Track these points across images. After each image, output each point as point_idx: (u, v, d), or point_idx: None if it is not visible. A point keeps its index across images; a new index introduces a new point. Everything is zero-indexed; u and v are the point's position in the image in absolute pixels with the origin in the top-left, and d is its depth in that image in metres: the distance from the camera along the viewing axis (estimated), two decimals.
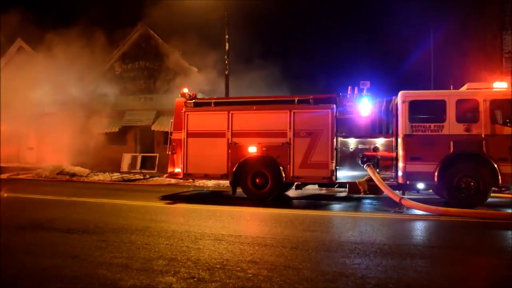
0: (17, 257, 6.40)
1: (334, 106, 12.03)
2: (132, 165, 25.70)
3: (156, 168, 24.53)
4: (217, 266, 5.70)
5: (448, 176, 10.97)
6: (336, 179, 11.95)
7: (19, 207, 11.89)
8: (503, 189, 11.18)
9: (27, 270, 5.74)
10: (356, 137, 11.99)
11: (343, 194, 13.93)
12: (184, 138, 13.05)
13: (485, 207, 10.56)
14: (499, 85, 11.26)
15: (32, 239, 7.57)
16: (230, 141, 12.62)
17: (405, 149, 11.30)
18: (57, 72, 26.56)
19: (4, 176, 23.03)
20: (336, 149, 11.95)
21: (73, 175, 22.39)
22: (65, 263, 5.93)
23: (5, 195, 13.99)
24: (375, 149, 11.73)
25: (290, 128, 12.20)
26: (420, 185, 11.52)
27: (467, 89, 11.80)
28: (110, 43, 25.59)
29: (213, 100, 13.44)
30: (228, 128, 12.67)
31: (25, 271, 5.70)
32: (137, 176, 21.53)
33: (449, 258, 6.40)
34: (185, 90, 13.48)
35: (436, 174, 11.01)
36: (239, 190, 12.69)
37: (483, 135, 10.87)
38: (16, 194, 14.28)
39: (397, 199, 10.45)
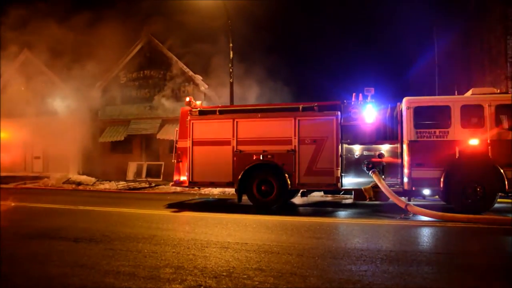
0: (25, 266, 6.44)
1: (339, 113, 12.04)
2: (138, 173, 25.80)
3: (161, 177, 24.61)
4: (224, 274, 5.71)
5: (454, 182, 10.93)
6: (341, 186, 11.93)
7: (27, 216, 11.97)
8: (509, 194, 11.11)
9: (35, 279, 5.78)
10: (361, 144, 11.98)
11: (349, 201, 13.92)
12: (189, 147, 13.08)
13: (492, 213, 10.52)
14: None
15: (39, 248, 7.62)
16: (235, 149, 12.65)
17: (410, 155, 11.28)
18: (62, 81, 26.84)
19: (11, 185, 23.21)
20: (341, 156, 11.95)
21: (79, 184, 22.53)
22: (73, 271, 5.96)
23: (13, 204, 14.08)
24: (380, 155, 11.73)
25: (295, 136, 12.22)
26: (426, 191, 11.48)
27: (472, 94, 11.79)
28: (115, 52, 25.77)
29: (218, 108, 13.47)
30: (233, 136, 12.70)
31: (33, 280, 5.74)
32: (143, 185, 21.62)
33: (456, 264, 6.38)
34: (190, 99, 13.53)
35: (441, 180, 10.97)
36: (244, 197, 12.68)
37: (488, 141, 10.86)
38: (23, 203, 14.38)
39: (403, 205, 10.43)
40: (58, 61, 25.53)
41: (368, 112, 11.91)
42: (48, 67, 27.55)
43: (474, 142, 10.92)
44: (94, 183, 22.56)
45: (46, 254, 7.07)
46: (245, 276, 5.61)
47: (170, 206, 13.31)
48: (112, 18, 23.96)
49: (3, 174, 27.83)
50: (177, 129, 13.83)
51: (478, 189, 10.80)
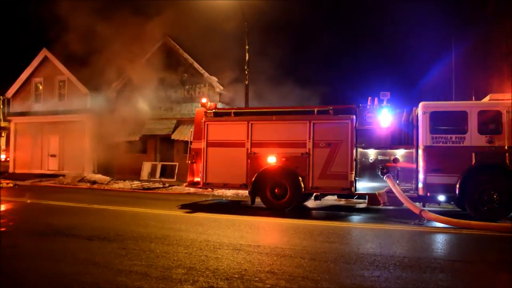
0: (39, 263, 6.51)
1: (354, 117, 11.98)
2: (152, 173, 25.90)
3: (175, 177, 24.67)
4: (236, 276, 5.71)
5: (470, 188, 10.79)
6: (355, 190, 11.87)
7: (42, 213, 12.11)
8: None
9: (49, 276, 5.84)
10: (376, 148, 11.90)
11: (363, 206, 13.82)
12: (203, 148, 13.11)
13: (509, 221, 10.35)
14: None
15: (53, 245, 7.69)
16: (249, 151, 12.65)
17: (426, 160, 11.17)
18: (79, 80, 27.12)
19: (27, 182, 23.50)
20: (355, 160, 11.88)
21: (94, 182, 22.72)
22: (86, 270, 6.01)
23: (28, 201, 14.26)
24: (395, 160, 11.63)
25: (309, 139, 12.18)
26: (441, 197, 11.36)
27: (489, 100, 11.63)
28: (132, 53, 25.92)
29: (233, 110, 13.49)
30: (247, 138, 12.70)
31: (47, 277, 5.80)
32: (157, 185, 21.72)
33: (471, 272, 6.30)
34: (205, 100, 13.56)
35: (457, 186, 10.84)
36: (258, 200, 12.69)
37: (506, 147, 10.69)
38: (38, 200, 14.55)
39: (417, 211, 10.33)
40: (75, 60, 25.78)
41: (384, 117, 11.82)
42: (66, 66, 27.89)
43: (491, 148, 10.78)
44: (109, 182, 22.74)
45: (60, 252, 7.13)
46: (257, 279, 5.59)
47: (183, 206, 13.35)
48: (129, 19, 24.12)
49: (19, 171, 28.28)
50: (192, 130, 13.89)
51: (495, 196, 10.65)
